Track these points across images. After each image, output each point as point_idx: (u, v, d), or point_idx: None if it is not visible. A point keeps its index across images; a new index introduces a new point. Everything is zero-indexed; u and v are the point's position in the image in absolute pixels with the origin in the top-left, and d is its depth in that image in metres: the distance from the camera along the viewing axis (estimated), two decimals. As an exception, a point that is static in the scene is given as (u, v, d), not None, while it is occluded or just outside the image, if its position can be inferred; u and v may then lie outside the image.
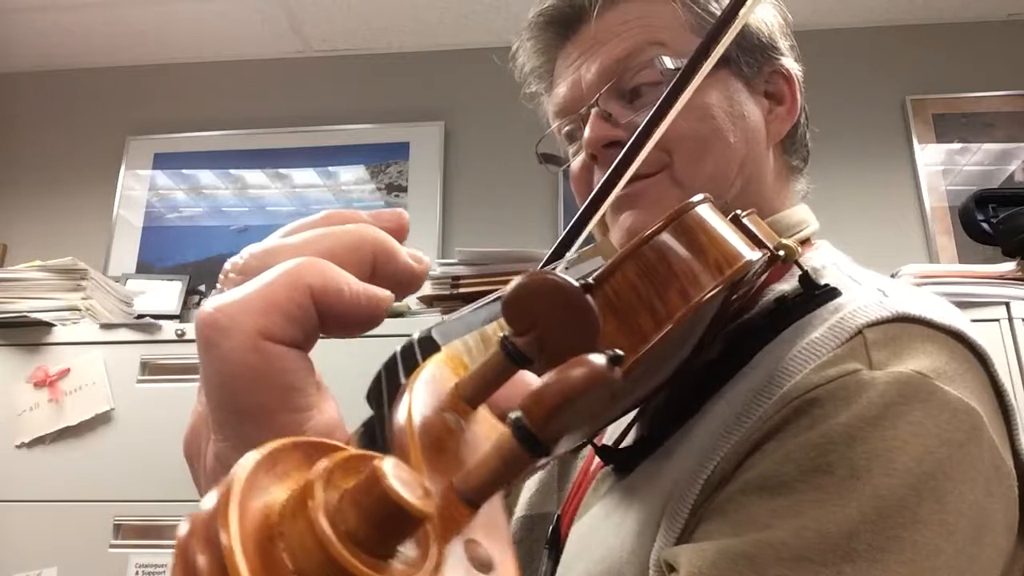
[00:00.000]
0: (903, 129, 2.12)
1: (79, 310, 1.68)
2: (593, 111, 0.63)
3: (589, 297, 0.21)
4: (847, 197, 2.07)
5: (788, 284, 0.55)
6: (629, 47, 0.63)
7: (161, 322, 1.67)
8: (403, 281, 0.30)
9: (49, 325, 1.64)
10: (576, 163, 0.68)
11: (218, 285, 0.30)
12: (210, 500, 0.16)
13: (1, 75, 2.44)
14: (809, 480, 0.41)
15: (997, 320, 1.43)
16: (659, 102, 0.48)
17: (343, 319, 0.26)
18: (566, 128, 0.70)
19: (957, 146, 2.09)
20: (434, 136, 2.24)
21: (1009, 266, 1.50)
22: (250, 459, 0.17)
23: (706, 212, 0.40)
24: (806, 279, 0.52)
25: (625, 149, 0.47)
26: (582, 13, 0.67)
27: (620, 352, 0.18)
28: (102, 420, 1.57)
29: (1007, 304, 1.44)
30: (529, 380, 0.23)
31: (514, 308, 0.21)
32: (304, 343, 0.26)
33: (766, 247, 0.44)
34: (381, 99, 2.30)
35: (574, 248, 0.42)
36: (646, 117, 0.47)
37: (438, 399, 0.21)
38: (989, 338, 1.41)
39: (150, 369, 1.61)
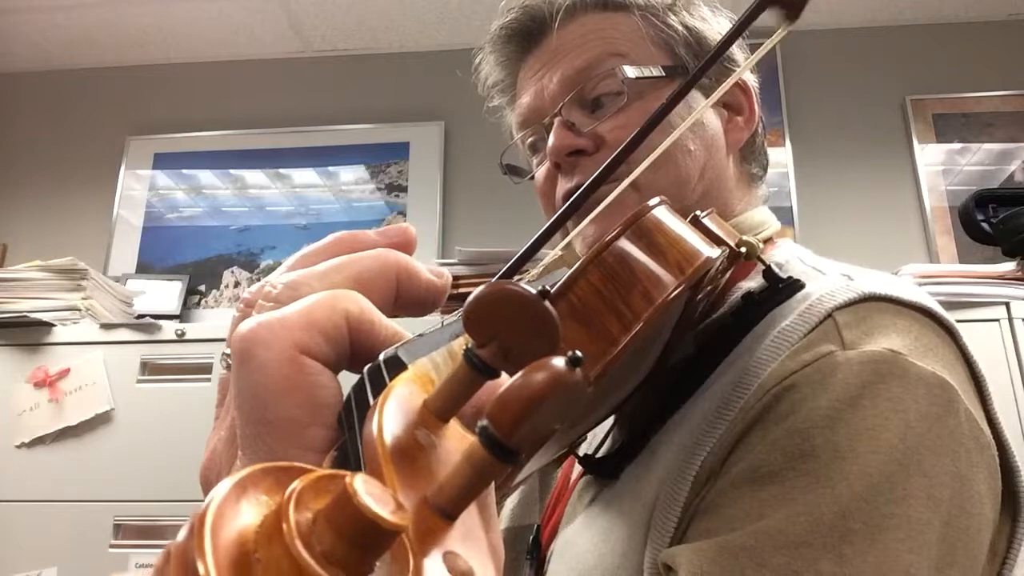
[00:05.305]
0: (903, 129, 2.12)
1: (79, 310, 1.68)
2: (556, 120, 0.64)
3: (547, 303, 0.21)
4: (847, 197, 2.07)
5: (754, 281, 0.56)
6: (590, 58, 0.64)
7: (161, 322, 1.67)
8: (427, 300, 0.31)
9: (49, 325, 1.64)
10: (540, 172, 0.69)
11: (235, 313, 0.31)
12: (185, 530, 0.16)
13: (1, 75, 2.44)
14: (796, 466, 0.42)
15: (997, 320, 1.43)
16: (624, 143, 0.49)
17: (368, 350, 0.27)
18: (530, 139, 0.71)
19: (957, 146, 2.09)
20: (434, 136, 2.24)
21: (1009, 266, 1.50)
22: (221, 487, 0.17)
23: (663, 214, 0.40)
24: (770, 274, 0.53)
25: (587, 183, 0.48)
26: (543, 26, 0.67)
27: (579, 353, 0.18)
28: (102, 420, 1.57)
29: (1007, 304, 1.44)
30: (498, 387, 0.23)
31: (474, 320, 0.21)
32: (335, 366, 0.27)
33: (726, 244, 0.44)
34: (381, 99, 2.31)
35: (541, 264, 0.43)
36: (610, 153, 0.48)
37: (408, 416, 0.21)
38: (989, 338, 1.42)
39: (150, 369, 1.61)
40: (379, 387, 0.24)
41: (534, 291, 0.21)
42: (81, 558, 1.48)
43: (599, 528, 0.52)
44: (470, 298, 0.21)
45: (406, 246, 0.33)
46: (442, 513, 0.19)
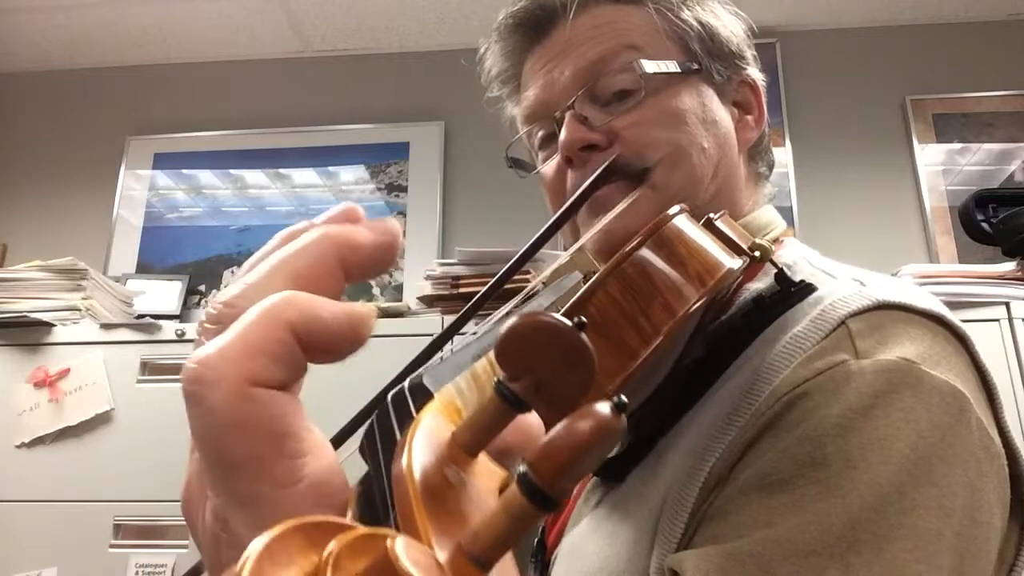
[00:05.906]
0: (903, 129, 2.12)
1: (79, 310, 1.68)
2: (568, 114, 0.62)
3: (584, 336, 0.20)
4: (847, 197, 2.07)
5: (763, 282, 0.55)
6: (604, 50, 0.63)
7: (161, 322, 1.67)
8: (381, 260, 0.29)
9: (49, 325, 1.64)
10: (549, 167, 0.68)
11: (195, 336, 0.28)
12: None
13: (1, 75, 2.44)
14: (807, 474, 0.42)
15: (997, 320, 1.43)
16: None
17: (330, 346, 0.25)
18: (539, 132, 0.69)
19: (957, 146, 2.09)
20: (434, 136, 2.24)
21: (1009, 266, 1.50)
22: (253, 551, 0.16)
23: (683, 223, 0.39)
24: (782, 277, 0.52)
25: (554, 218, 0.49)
26: (554, 16, 0.66)
27: (624, 399, 0.18)
28: (102, 420, 1.57)
29: (1007, 304, 1.44)
30: (527, 421, 0.22)
31: (508, 353, 0.20)
32: (291, 383, 0.25)
33: (743, 251, 0.44)
34: (381, 99, 2.30)
35: (552, 267, 0.43)
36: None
37: (437, 453, 0.21)
38: (989, 338, 1.42)
39: (150, 369, 1.61)
40: (404, 416, 0.23)
41: (571, 323, 0.20)
42: (81, 558, 1.48)
43: (605, 531, 0.52)
44: (503, 329, 0.20)
45: (351, 222, 0.30)
46: (477, 563, 0.18)
